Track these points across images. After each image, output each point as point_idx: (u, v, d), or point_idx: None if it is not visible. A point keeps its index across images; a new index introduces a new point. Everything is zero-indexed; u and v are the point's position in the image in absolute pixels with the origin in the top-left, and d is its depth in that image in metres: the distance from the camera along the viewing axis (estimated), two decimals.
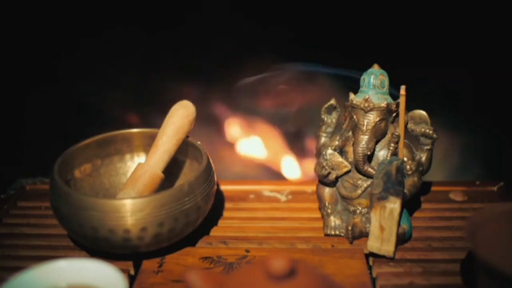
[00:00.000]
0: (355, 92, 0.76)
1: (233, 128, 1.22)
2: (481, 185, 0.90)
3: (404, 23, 1.10)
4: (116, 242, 0.68)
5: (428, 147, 0.77)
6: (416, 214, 0.82)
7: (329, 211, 0.78)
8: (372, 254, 0.73)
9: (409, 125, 0.76)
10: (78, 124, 1.11)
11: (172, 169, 0.80)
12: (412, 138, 0.77)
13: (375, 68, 0.76)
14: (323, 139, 0.81)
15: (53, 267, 0.58)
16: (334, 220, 0.78)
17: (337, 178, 0.77)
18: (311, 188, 0.88)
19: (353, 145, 0.75)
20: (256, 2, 1.11)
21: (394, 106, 0.74)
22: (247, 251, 0.74)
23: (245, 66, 1.12)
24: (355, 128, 0.74)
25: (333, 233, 0.77)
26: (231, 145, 1.22)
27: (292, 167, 1.21)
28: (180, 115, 0.77)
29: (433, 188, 0.88)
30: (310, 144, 1.17)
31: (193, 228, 0.73)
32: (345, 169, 0.76)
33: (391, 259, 0.72)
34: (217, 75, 1.15)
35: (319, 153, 0.80)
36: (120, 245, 0.69)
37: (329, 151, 0.76)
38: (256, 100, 1.20)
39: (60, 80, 1.13)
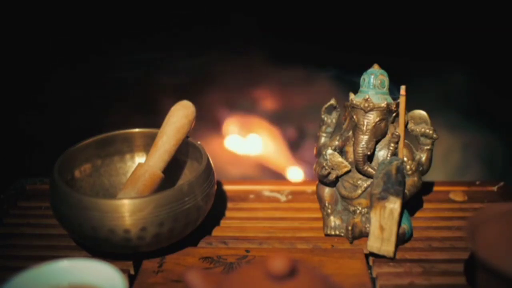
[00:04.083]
0: (355, 92, 0.76)
1: (233, 128, 1.22)
2: (481, 185, 0.90)
3: (404, 23, 1.10)
4: (116, 242, 0.68)
5: (428, 147, 0.77)
6: (416, 214, 0.82)
7: (329, 211, 0.78)
8: (372, 254, 0.73)
9: (409, 125, 0.76)
10: (78, 124, 1.11)
11: (172, 169, 0.80)
12: (412, 138, 0.77)
13: (375, 68, 0.76)
14: (323, 139, 0.81)
15: (54, 267, 0.58)
16: (334, 220, 0.78)
17: (337, 178, 0.77)
18: (311, 188, 0.88)
19: (353, 145, 0.75)
20: (255, 1, 1.12)
21: (394, 106, 0.74)
22: (247, 251, 0.74)
23: (245, 65, 1.12)
24: (355, 128, 0.74)
25: (333, 233, 0.77)
26: (231, 145, 1.23)
27: (292, 167, 1.21)
28: (180, 115, 0.77)
29: (433, 188, 0.88)
30: (310, 144, 1.17)
31: (193, 228, 0.73)
32: (345, 169, 0.76)
33: (391, 259, 0.72)
34: (217, 76, 1.15)
35: (319, 153, 0.80)
36: (120, 245, 0.69)
37: (329, 151, 0.76)
38: (256, 100, 1.20)
39: (60, 80, 1.13)
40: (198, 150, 0.78)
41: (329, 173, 0.76)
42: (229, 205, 0.86)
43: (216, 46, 1.14)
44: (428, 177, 0.81)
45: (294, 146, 1.22)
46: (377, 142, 0.75)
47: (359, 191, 0.76)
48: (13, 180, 0.92)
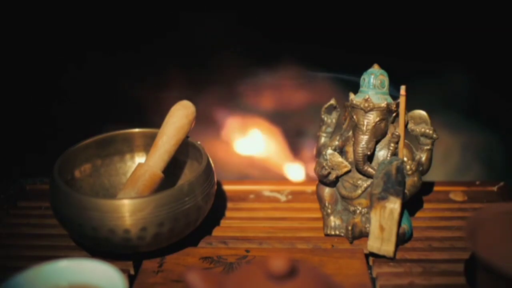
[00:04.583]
0: (355, 92, 0.76)
1: (233, 128, 1.22)
2: (481, 185, 0.90)
3: (404, 23, 1.10)
4: (116, 242, 0.68)
5: (428, 147, 0.77)
6: (416, 214, 0.82)
7: (329, 211, 0.78)
8: (372, 254, 0.73)
9: (409, 125, 0.76)
10: (78, 124, 1.11)
11: (172, 169, 0.80)
12: (412, 138, 0.77)
13: (375, 68, 0.76)
14: (323, 139, 0.81)
15: (54, 267, 0.58)
16: (334, 220, 0.78)
17: (337, 178, 0.77)
18: (311, 188, 0.88)
19: (353, 145, 0.75)
20: (254, 1, 1.12)
21: (394, 106, 0.74)
22: (247, 251, 0.74)
23: (245, 65, 1.12)
24: (355, 128, 0.74)
25: (333, 233, 0.77)
26: (231, 145, 1.22)
27: (292, 167, 1.21)
28: (180, 115, 0.77)
29: (433, 188, 0.88)
30: (310, 144, 1.17)
31: (193, 228, 0.73)
32: (345, 169, 0.76)
33: (391, 259, 0.72)
34: (217, 75, 1.15)
35: (319, 153, 0.80)
36: (120, 245, 0.69)
37: (329, 151, 0.76)
38: (256, 100, 1.20)
39: (60, 81, 1.13)
40: (198, 150, 0.78)
41: (329, 173, 0.76)
42: (229, 205, 0.86)
43: (216, 46, 1.14)
44: (428, 177, 0.81)
45: (294, 146, 1.22)
46: (377, 142, 0.75)
47: (359, 191, 0.76)
48: (13, 180, 0.92)
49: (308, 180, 1.15)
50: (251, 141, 1.23)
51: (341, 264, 0.71)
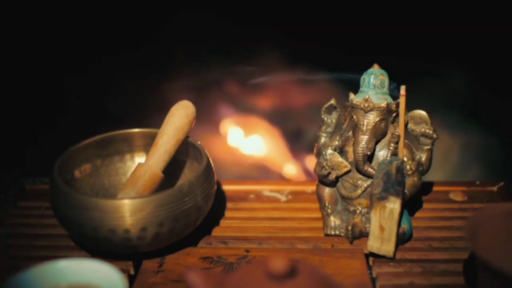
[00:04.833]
0: (355, 92, 0.76)
1: (233, 127, 1.22)
2: (481, 185, 0.90)
3: (405, 23, 1.10)
4: (116, 242, 0.68)
5: (428, 147, 0.77)
6: (416, 214, 0.82)
7: (329, 211, 0.78)
8: (372, 254, 0.73)
9: (409, 125, 0.76)
10: (78, 124, 1.11)
11: (172, 169, 0.80)
12: (412, 138, 0.77)
13: (375, 68, 0.76)
14: (323, 139, 0.81)
15: (54, 267, 0.58)
16: (334, 220, 0.78)
17: (337, 178, 0.77)
18: (311, 188, 0.88)
19: (353, 145, 0.75)
20: (254, 1, 1.12)
21: (394, 106, 0.74)
22: (247, 251, 0.74)
23: (245, 65, 1.12)
24: (355, 128, 0.74)
25: (333, 233, 0.77)
26: (231, 145, 1.23)
27: (292, 167, 1.21)
28: (180, 115, 0.77)
29: (433, 188, 0.88)
30: (310, 144, 1.17)
31: (193, 228, 0.73)
32: (345, 169, 0.76)
33: (391, 259, 0.72)
34: (217, 75, 1.15)
35: (319, 153, 0.80)
36: (120, 245, 0.69)
37: (329, 151, 0.76)
38: (256, 100, 1.20)
39: (60, 81, 1.13)
40: (198, 150, 0.78)
41: (329, 173, 0.76)
42: (229, 205, 0.86)
43: (216, 46, 1.14)
44: (428, 177, 0.81)
45: (294, 146, 1.22)
46: (377, 142, 0.75)
47: (359, 191, 0.76)
48: (13, 180, 0.92)
49: (308, 180, 1.15)
50: (251, 141, 1.23)
51: (341, 264, 0.71)
